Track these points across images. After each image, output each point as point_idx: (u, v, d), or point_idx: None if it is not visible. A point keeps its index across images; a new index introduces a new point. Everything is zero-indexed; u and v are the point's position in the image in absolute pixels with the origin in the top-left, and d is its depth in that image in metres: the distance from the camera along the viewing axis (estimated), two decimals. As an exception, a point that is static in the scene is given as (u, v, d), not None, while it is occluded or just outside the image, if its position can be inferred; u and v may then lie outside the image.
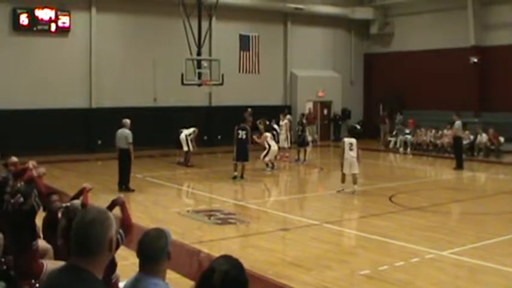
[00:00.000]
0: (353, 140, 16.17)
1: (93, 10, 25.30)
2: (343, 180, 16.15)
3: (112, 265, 6.06)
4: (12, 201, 6.87)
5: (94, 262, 2.71)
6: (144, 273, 3.51)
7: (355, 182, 16.02)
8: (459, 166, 21.29)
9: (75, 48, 24.94)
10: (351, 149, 15.91)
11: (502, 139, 25.22)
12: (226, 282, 2.74)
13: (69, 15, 24.52)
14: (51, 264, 6.48)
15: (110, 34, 25.68)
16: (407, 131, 28.26)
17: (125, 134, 16.12)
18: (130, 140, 16.05)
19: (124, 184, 16.27)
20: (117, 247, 5.31)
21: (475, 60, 28.29)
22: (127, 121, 16.36)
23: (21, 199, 6.77)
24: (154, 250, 3.50)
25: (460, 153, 21.75)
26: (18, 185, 7.68)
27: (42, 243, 7.18)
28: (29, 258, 6.48)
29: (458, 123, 21.51)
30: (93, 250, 2.71)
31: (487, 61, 28.02)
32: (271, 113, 24.82)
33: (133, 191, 16.11)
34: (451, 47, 28.90)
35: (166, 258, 3.52)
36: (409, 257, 9.81)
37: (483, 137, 25.23)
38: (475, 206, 14.98)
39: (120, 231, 5.70)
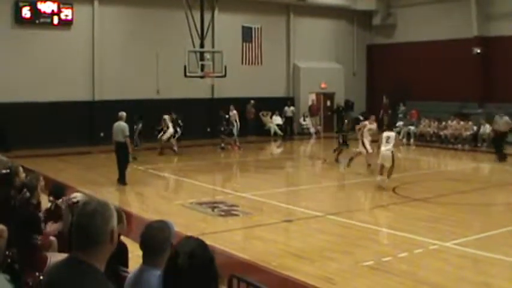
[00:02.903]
0: (391, 134, 16.04)
1: (96, 3, 25.24)
2: (380, 172, 15.80)
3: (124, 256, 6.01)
4: (18, 197, 6.86)
5: (95, 254, 2.70)
6: (147, 265, 3.51)
7: (389, 175, 15.68)
8: (502, 158, 20.88)
9: (78, 41, 24.88)
10: (387, 142, 15.69)
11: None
12: (193, 262, 2.74)
13: (72, 8, 24.45)
14: (55, 257, 6.47)
15: (112, 27, 25.62)
16: (410, 121, 28.18)
17: (121, 127, 15.91)
18: (127, 133, 15.86)
19: (120, 177, 15.98)
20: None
21: (478, 50, 28.14)
22: (123, 114, 16.24)
23: (28, 194, 6.76)
24: (157, 242, 3.50)
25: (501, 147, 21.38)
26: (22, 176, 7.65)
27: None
28: (33, 251, 6.49)
29: (506, 118, 21.27)
30: (94, 242, 2.70)
31: (490, 51, 27.87)
32: (274, 105, 24.75)
33: (125, 184, 15.44)
34: (454, 38, 28.75)
35: (170, 250, 3.51)
36: (412, 248, 9.80)
37: (486, 128, 25.14)
38: (479, 197, 14.92)
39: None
